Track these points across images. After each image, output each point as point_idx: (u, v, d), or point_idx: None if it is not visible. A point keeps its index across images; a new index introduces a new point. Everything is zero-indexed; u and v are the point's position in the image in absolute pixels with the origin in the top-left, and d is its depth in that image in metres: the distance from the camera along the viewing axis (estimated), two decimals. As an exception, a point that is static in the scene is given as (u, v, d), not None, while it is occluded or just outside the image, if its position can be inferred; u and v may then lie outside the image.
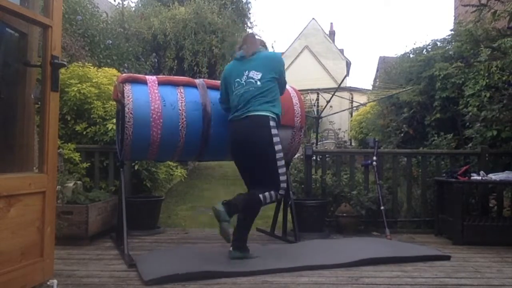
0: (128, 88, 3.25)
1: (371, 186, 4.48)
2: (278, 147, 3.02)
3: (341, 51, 24.73)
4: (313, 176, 4.56)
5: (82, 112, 4.57)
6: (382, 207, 4.12)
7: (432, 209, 4.40)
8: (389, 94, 8.24)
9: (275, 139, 3.02)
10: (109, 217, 3.91)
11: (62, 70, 3.77)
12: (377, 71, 16.24)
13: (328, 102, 9.51)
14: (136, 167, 4.55)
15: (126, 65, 7.25)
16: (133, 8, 10.77)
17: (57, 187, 3.20)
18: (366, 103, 11.68)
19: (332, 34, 25.84)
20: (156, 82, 3.39)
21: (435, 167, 4.58)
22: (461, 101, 6.08)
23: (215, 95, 3.45)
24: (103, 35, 7.09)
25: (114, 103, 3.96)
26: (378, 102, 9.25)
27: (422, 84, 6.95)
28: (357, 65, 61.49)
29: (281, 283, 2.57)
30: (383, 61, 14.19)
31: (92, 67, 5.00)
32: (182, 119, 3.31)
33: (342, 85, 13.89)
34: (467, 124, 5.70)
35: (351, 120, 15.09)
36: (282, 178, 3.04)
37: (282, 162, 3.06)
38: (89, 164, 4.29)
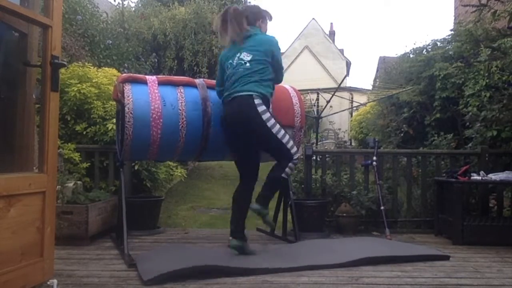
0: (128, 88, 3.25)
1: (371, 186, 4.48)
2: (270, 122, 3.00)
3: (341, 51, 24.73)
4: (313, 176, 4.56)
5: (82, 112, 4.57)
6: (382, 207, 4.12)
7: (432, 209, 4.40)
8: (389, 94, 8.24)
9: (264, 116, 2.99)
10: (109, 217, 3.91)
11: (62, 70, 3.77)
12: (377, 71, 16.23)
13: (328, 102, 9.51)
14: (136, 167, 4.55)
15: (126, 65, 7.24)
16: (133, 8, 10.76)
17: (57, 187, 3.20)
18: (366, 103, 11.69)
19: (332, 34, 25.84)
20: (156, 82, 3.39)
21: (435, 167, 4.58)
22: (461, 101, 6.09)
23: (215, 95, 3.45)
24: (103, 35, 7.08)
25: (114, 103, 3.97)
26: (378, 102, 9.26)
27: (422, 84, 6.95)
28: (357, 65, 61.54)
29: (281, 283, 2.57)
30: (383, 61, 14.18)
31: (92, 67, 5.00)
32: (182, 119, 3.31)
33: (342, 85, 13.89)
34: (467, 124, 5.70)
35: (351, 120, 15.10)
36: (290, 145, 3.06)
37: (282, 132, 3.04)
38: (89, 164, 4.29)
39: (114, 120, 4.09)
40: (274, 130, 3.01)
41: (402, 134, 7.11)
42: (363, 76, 55.33)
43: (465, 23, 6.81)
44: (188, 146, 3.39)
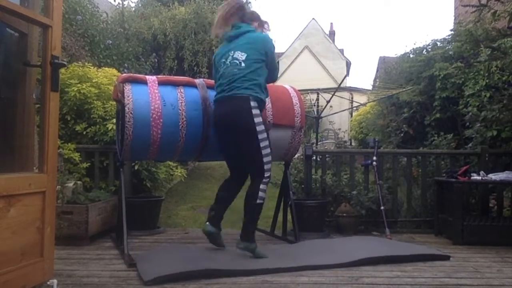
0: (128, 88, 3.25)
1: (371, 186, 4.48)
2: (260, 127, 2.97)
3: (341, 51, 24.73)
4: (313, 176, 4.56)
5: (82, 112, 4.57)
6: (382, 207, 4.12)
7: (432, 209, 4.40)
8: (389, 94, 8.24)
9: (257, 119, 2.96)
10: (109, 217, 3.91)
11: (62, 70, 3.78)
12: (377, 71, 16.25)
13: (328, 102, 9.51)
14: (136, 167, 4.55)
15: (126, 65, 7.24)
16: (133, 8, 10.75)
17: (57, 187, 3.20)
18: (366, 103, 11.69)
19: (332, 34, 25.83)
20: (156, 82, 3.39)
21: (435, 167, 4.58)
22: (461, 101, 6.09)
23: (215, 95, 3.46)
24: (103, 35, 7.08)
25: (114, 103, 3.97)
26: (378, 102, 9.26)
27: (422, 84, 6.95)
28: (357, 65, 61.52)
29: (281, 283, 2.57)
30: (383, 61, 14.18)
31: (92, 67, 5.00)
32: (182, 119, 3.31)
33: (342, 85, 13.89)
34: (467, 124, 5.70)
35: (351, 120, 15.10)
36: (267, 159, 3.01)
37: (266, 143, 3.00)
38: (89, 164, 4.29)
39: (114, 120, 4.09)
40: (260, 137, 2.97)
41: (402, 134, 7.11)
42: (363, 76, 55.36)
43: (465, 23, 6.81)
44: (188, 146, 3.39)
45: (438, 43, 7.77)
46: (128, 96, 3.20)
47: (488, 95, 5.42)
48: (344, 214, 4.17)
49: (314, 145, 8.41)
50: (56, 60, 2.26)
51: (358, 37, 57.51)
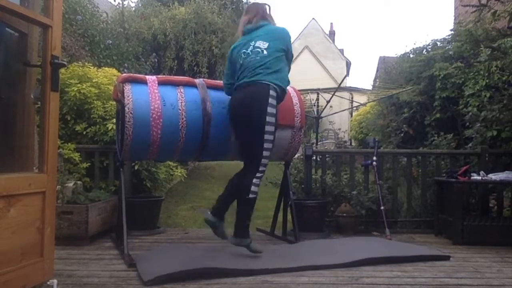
0: (128, 88, 3.25)
1: (371, 186, 4.48)
2: (270, 119, 2.95)
3: (341, 51, 24.75)
4: (313, 176, 4.56)
5: (82, 112, 4.57)
6: (382, 207, 4.12)
7: (432, 209, 4.40)
8: (389, 94, 8.24)
9: (270, 110, 2.95)
10: (109, 217, 3.91)
11: (62, 70, 3.77)
12: (377, 71, 16.24)
13: (328, 102, 9.50)
14: (136, 167, 4.55)
15: (126, 65, 7.24)
16: (133, 8, 10.76)
17: (57, 187, 3.20)
18: (366, 103, 11.69)
19: (332, 34, 25.86)
20: (156, 82, 3.39)
21: (435, 167, 4.58)
22: (461, 101, 6.09)
23: (215, 95, 3.45)
24: (103, 35, 7.08)
25: (114, 103, 3.96)
26: (378, 102, 9.26)
27: (422, 84, 6.95)
28: (357, 65, 61.52)
29: (281, 283, 2.57)
30: (383, 61, 14.18)
31: (92, 67, 5.00)
32: (182, 119, 3.31)
33: (342, 85, 13.89)
34: (467, 124, 5.70)
35: (351, 120, 15.11)
36: (266, 154, 2.99)
37: (271, 137, 2.99)
38: (89, 164, 4.29)
39: (114, 120, 4.09)
40: (267, 128, 2.95)
41: (402, 134, 7.11)
42: (363, 76, 55.38)
43: (465, 23, 6.82)
44: (188, 146, 3.39)
45: (438, 43, 7.77)
46: (128, 96, 3.20)
47: (488, 95, 5.42)
48: (344, 214, 4.17)
49: (314, 145, 8.41)
50: (56, 60, 2.26)
51: (358, 37, 57.54)
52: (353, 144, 13.16)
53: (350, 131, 14.59)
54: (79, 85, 4.49)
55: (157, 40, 9.31)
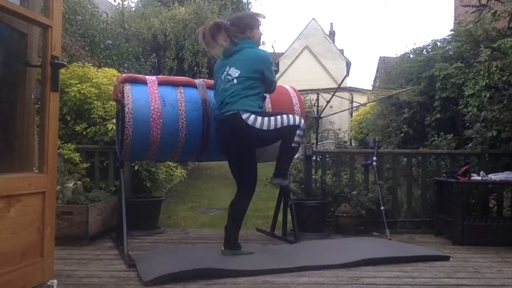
0: (128, 88, 3.25)
1: (371, 186, 4.47)
2: (264, 123, 2.95)
3: (341, 51, 24.72)
4: (313, 176, 4.56)
5: (82, 112, 4.57)
6: (382, 207, 4.12)
7: (432, 209, 4.40)
8: (389, 94, 8.25)
9: (256, 123, 2.93)
10: (109, 217, 3.91)
11: (62, 70, 3.77)
12: (377, 71, 16.25)
13: (328, 102, 9.51)
14: (136, 167, 4.55)
15: (126, 65, 7.24)
16: (133, 8, 10.77)
17: (57, 187, 3.20)
18: (366, 103, 11.69)
19: (332, 34, 25.82)
20: (156, 82, 3.39)
21: (435, 167, 4.58)
22: (461, 101, 6.09)
23: (215, 95, 3.45)
24: (103, 35, 7.09)
25: (114, 103, 3.96)
26: (378, 102, 9.26)
27: (422, 84, 6.95)
28: (357, 65, 61.48)
29: (281, 283, 2.57)
30: (383, 61, 14.19)
31: (92, 67, 5.00)
32: (182, 119, 3.31)
33: (342, 85, 13.89)
34: (467, 124, 5.70)
35: (351, 120, 15.10)
36: (291, 116, 3.07)
37: (273, 116, 3.01)
38: (89, 164, 4.29)
39: (114, 120, 4.09)
40: (266, 124, 2.95)
41: (402, 134, 7.11)
42: (363, 76, 55.29)
43: (465, 23, 6.82)
44: (188, 146, 3.39)
45: (438, 43, 7.77)
46: (128, 96, 3.20)
47: (488, 95, 5.42)
48: (344, 214, 4.17)
49: (314, 145, 8.41)
50: (56, 60, 2.26)
51: (358, 37, 57.47)
52: (353, 144, 13.15)
53: (350, 131, 14.58)
54: (79, 85, 4.49)
55: (157, 40, 9.31)
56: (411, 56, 8.12)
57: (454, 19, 9.63)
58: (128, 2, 13.81)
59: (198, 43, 9.21)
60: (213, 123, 3.26)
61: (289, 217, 3.91)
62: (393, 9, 70.56)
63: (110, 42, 7.17)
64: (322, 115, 10.50)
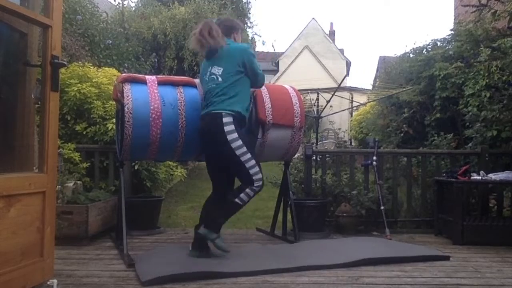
0: (127, 88, 3.25)
1: (371, 186, 4.47)
2: (235, 144, 2.92)
3: (341, 51, 24.71)
4: (313, 176, 4.56)
5: (82, 112, 4.57)
6: (382, 207, 4.12)
7: (432, 209, 4.40)
8: (389, 94, 8.24)
9: (230, 136, 2.91)
10: (109, 217, 3.91)
11: (62, 70, 3.77)
12: (377, 71, 16.25)
13: (328, 102, 9.51)
14: (136, 167, 4.55)
15: (126, 65, 7.24)
16: (133, 8, 10.76)
17: (57, 187, 3.20)
18: (366, 103, 11.68)
19: (332, 34, 25.81)
20: (156, 82, 3.39)
21: (435, 167, 4.58)
22: (461, 101, 6.09)
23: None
24: (103, 35, 7.09)
25: (114, 103, 3.96)
26: (378, 102, 9.25)
27: (422, 84, 6.95)
28: (357, 65, 61.40)
29: (281, 283, 2.57)
30: (383, 61, 14.18)
31: (92, 67, 5.00)
32: (182, 119, 3.31)
33: (342, 85, 13.88)
34: (467, 124, 5.70)
35: (351, 120, 15.09)
36: (253, 170, 2.97)
37: (247, 156, 2.95)
38: (89, 164, 4.29)
39: (114, 120, 4.09)
40: (238, 152, 2.93)
41: (402, 134, 7.11)
42: (363, 76, 55.19)
43: (465, 23, 6.81)
44: (187, 146, 3.39)
45: (438, 43, 7.77)
46: (127, 96, 3.20)
47: (488, 95, 5.42)
48: (344, 214, 4.17)
49: (314, 145, 8.41)
50: (56, 60, 2.26)
51: (358, 37, 57.41)
52: (353, 144, 13.15)
53: (350, 131, 14.58)
54: (79, 85, 4.49)
55: (157, 40, 9.31)
56: (411, 55, 8.12)
57: (454, 19, 9.63)
58: (128, 2, 13.85)
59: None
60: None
61: (289, 216, 3.91)
62: (393, 9, 70.52)
63: (110, 41, 7.17)
64: (322, 114, 10.49)
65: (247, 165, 2.96)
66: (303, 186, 4.56)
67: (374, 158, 4.32)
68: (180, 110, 3.31)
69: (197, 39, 3.06)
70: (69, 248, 3.30)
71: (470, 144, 5.33)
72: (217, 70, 3.02)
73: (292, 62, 22.66)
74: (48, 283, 2.27)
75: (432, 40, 7.93)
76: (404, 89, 7.46)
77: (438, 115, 6.53)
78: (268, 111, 3.53)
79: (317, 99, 13.66)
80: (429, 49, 7.71)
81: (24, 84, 2.44)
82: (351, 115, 15.60)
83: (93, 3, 7.46)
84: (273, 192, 4.63)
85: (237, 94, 3.01)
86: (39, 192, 2.19)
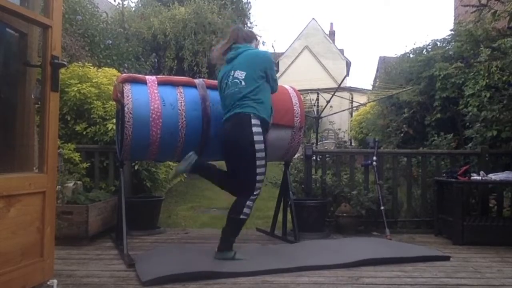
0: (127, 88, 3.25)
1: (371, 186, 4.47)
2: (259, 146, 2.95)
3: (341, 51, 24.71)
4: (313, 176, 4.56)
5: (82, 112, 4.57)
6: (382, 207, 4.12)
7: (432, 209, 4.40)
8: (389, 94, 8.24)
9: (257, 138, 2.95)
10: (109, 217, 3.91)
11: (62, 70, 3.77)
12: (377, 71, 16.25)
13: (328, 102, 9.50)
14: (136, 167, 4.55)
15: (126, 65, 7.24)
16: (133, 8, 10.76)
17: (57, 187, 3.20)
18: (366, 103, 11.68)
19: (332, 34, 25.81)
20: (156, 82, 3.39)
21: (435, 167, 4.58)
22: (461, 101, 6.09)
23: (215, 95, 3.45)
24: (103, 35, 7.09)
25: (114, 103, 3.97)
26: (378, 102, 9.25)
27: (422, 84, 6.95)
28: (357, 65, 61.40)
29: (281, 283, 2.57)
30: (383, 61, 14.19)
31: (92, 67, 5.00)
32: (182, 119, 3.31)
33: (342, 85, 13.88)
34: (467, 124, 5.70)
35: (351, 120, 15.09)
36: (259, 178, 3.00)
37: (262, 162, 2.98)
38: (89, 164, 4.29)
39: (114, 120, 4.09)
40: (258, 155, 2.94)
41: (402, 134, 7.11)
42: (363, 76, 55.18)
43: (465, 23, 6.82)
44: (187, 146, 3.39)
45: (438, 43, 7.77)
46: (127, 96, 3.20)
47: (488, 95, 5.42)
48: (344, 214, 4.17)
49: (314, 145, 8.41)
50: (56, 60, 2.26)
51: (358, 37, 57.38)
52: (353, 144, 13.16)
53: (350, 131, 14.58)
54: (79, 85, 4.49)
55: (157, 40, 9.31)
56: (411, 56, 8.12)
57: (454, 19, 9.63)
58: (128, 2, 13.86)
59: (198, 42, 9.25)
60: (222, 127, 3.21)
61: (289, 217, 3.91)
62: (393, 9, 70.49)
63: (110, 42, 7.17)
64: (322, 115, 10.49)
65: (258, 171, 2.98)
66: (303, 186, 4.56)
67: (374, 158, 4.32)
68: (180, 110, 3.31)
69: (236, 33, 3.20)
70: (69, 248, 3.30)
71: (470, 144, 5.33)
72: (241, 75, 3.03)
73: (292, 62, 22.66)
74: (48, 283, 2.27)
75: (432, 40, 7.95)
76: (404, 89, 7.46)
77: (438, 115, 6.53)
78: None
79: (317, 99, 13.66)
80: (429, 49, 7.71)
81: (24, 84, 2.44)
82: (351, 115, 15.60)
83: (93, 3, 7.46)
84: (273, 192, 4.63)
85: (263, 101, 3.04)
86: (39, 192, 2.19)
